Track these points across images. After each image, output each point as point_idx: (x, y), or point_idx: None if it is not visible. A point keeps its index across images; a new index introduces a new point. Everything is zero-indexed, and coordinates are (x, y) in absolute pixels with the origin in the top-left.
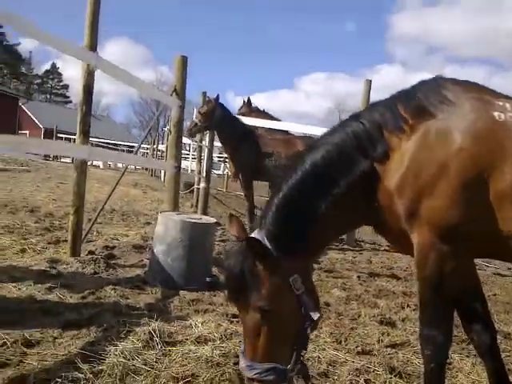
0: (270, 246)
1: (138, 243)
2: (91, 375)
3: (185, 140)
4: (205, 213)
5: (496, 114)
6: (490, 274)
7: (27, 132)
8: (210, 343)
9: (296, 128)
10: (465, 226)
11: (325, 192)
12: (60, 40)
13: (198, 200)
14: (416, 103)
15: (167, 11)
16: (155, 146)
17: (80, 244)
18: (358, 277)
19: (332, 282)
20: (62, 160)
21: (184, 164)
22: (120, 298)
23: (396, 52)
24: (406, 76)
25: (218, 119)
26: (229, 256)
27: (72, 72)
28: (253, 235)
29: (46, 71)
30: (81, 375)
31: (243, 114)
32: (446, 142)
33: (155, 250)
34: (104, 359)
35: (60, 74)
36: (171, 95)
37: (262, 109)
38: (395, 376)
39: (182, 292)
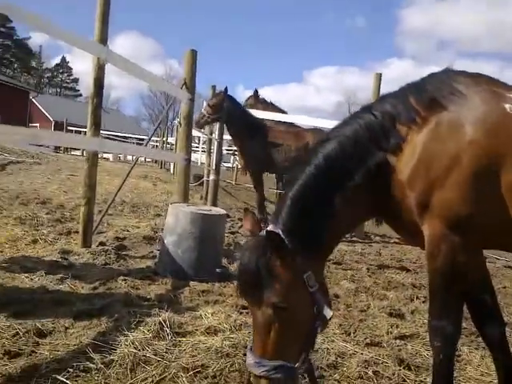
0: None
1: (149, 234)
2: (102, 365)
3: (194, 133)
4: (214, 205)
5: (507, 106)
6: (501, 266)
7: (38, 125)
8: (219, 334)
9: (306, 121)
10: (476, 218)
11: (339, 185)
12: (71, 34)
13: (207, 192)
14: (428, 95)
15: (176, 4)
16: (164, 139)
17: (91, 235)
18: (368, 269)
19: (341, 274)
20: (72, 153)
21: (194, 157)
22: (131, 289)
23: (406, 46)
24: (416, 70)
25: (226, 111)
26: (244, 251)
27: (82, 66)
28: (268, 229)
29: (56, 65)
30: (92, 365)
31: (250, 106)
32: (458, 134)
33: (165, 241)
34: (115, 349)
35: (70, 68)
36: (181, 88)
37: (269, 101)
38: (404, 368)
39: (192, 283)
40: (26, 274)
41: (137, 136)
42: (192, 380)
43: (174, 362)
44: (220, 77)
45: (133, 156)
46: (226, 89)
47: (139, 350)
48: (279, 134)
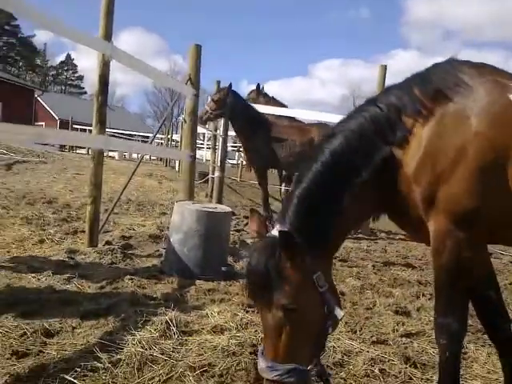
0: None
1: (154, 233)
2: (110, 364)
3: (199, 129)
4: (220, 202)
5: None
6: (507, 262)
7: (43, 123)
8: (226, 333)
9: (308, 115)
10: (482, 212)
11: (346, 181)
12: (75, 31)
13: (212, 189)
14: (433, 86)
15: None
16: (169, 136)
17: (97, 234)
18: (373, 266)
19: (347, 271)
20: (77, 151)
21: (199, 154)
22: (137, 288)
23: (411, 37)
24: (421, 61)
25: (230, 107)
26: (252, 252)
27: (86, 63)
28: (275, 230)
29: (61, 62)
30: (99, 364)
31: (252, 100)
32: (463, 126)
33: (171, 240)
34: (122, 349)
35: (75, 66)
36: (186, 84)
37: (270, 95)
38: (410, 366)
39: (198, 281)
40: (33, 274)
41: (142, 133)
42: (199, 379)
43: (180, 361)
44: (224, 72)
45: (138, 154)
46: (230, 85)
47: (146, 350)
48: (284, 129)
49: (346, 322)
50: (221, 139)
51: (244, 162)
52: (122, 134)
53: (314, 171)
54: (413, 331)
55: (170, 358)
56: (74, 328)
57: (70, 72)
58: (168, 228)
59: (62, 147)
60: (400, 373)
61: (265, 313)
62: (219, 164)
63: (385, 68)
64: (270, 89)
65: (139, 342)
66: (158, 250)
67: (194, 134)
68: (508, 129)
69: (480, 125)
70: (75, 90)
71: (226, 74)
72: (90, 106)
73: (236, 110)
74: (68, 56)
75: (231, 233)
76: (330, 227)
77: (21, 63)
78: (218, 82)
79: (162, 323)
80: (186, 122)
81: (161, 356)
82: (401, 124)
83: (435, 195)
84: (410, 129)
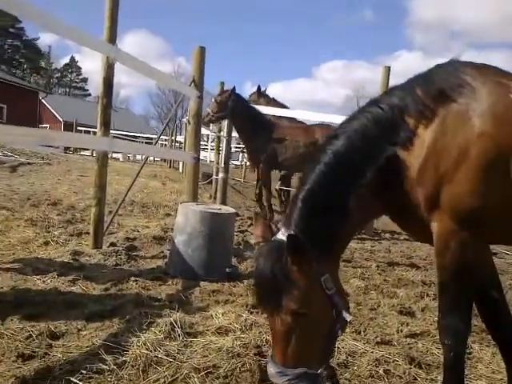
0: None
1: (159, 234)
2: (115, 366)
3: (203, 131)
4: (224, 203)
5: None
6: (511, 262)
7: (47, 125)
8: (230, 334)
9: (310, 116)
10: (486, 213)
11: (350, 182)
12: (80, 33)
13: (216, 190)
14: (435, 87)
15: (185, 2)
16: (173, 138)
17: (102, 236)
18: (377, 266)
19: (351, 272)
20: (81, 153)
21: (202, 155)
22: (142, 290)
23: (415, 38)
24: (425, 62)
25: (231, 110)
26: (258, 257)
27: (91, 65)
28: (280, 234)
29: (66, 65)
30: (105, 366)
31: (253, 102)
32: (466, 126)
33: (176, 241)
34: (127, 350)
35: (79, 68)
36: (190, 86)
37: (271, 96)
38: (415, 366)
39: (202, 283)
40: (38, 276)
41: (146, 135)
42: (204, 380)
43: (185, 362)
44: (228, 75)
45: (142, 155)
46: (233, 88)
47: (151, 351)
48: (287, 130)
49: (350, 323)
50: (224, 140)
51: (248, 163)
52: (126, 135)
53: (318, 173)
54: (417, 331)
55: (174, 359)
56: (79, 330)
57: (75, 74)
58: (172, 229)
59: (66, 149)
60: (404, 373)
61: (273, 318)
62: (223, 165)
63: (388, 69)
64: (274, 90)
65: (144, 344)
66: (163, 252)
67: (197, 136)
68: (511, 128)
69: (483, 125)
70: (79, 92)
71: (229, 76)
72: (94, 108)
73: (236, 110)
74: (72, 58)
75: (235, 234)
76: (336, 229)
77: (25, 66)
78: (222, 84)
79: (166, 325)
80: (189, 123)
81: (166, 357)
82: (404, 125)
83: (439, 195)
84: (414, 129)
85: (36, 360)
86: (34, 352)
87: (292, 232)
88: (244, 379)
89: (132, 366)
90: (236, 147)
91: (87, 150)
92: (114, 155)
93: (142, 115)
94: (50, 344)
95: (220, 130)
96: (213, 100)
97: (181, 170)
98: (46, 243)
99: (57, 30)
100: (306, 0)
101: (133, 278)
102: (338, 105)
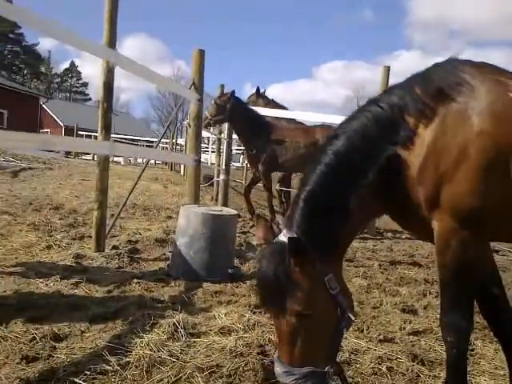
0: None
1: (161, 237)
2: (119, 367)
3: (204, 133)
4: (225, 205)
5: None
6: None
7: (48, 130)
8: (233, 334)
9: (310, 117)
10: (486, 211)
11: (351, 182)
12: (80, 38)
13: (217, 192)
14: (434, 86)
15: (183, 4)
16: (174, 141)
17: (104, 239)
18: (380, 265)
19: (353, 271)
20: (82, 157)
21: (203, 157)
22: (144, 292)
23: (414, 38)
24: (424, 61)
25: (230, 113)
26: (261, 260)
27: (90, 70)
28: (282, 235)
29: (66, 70)
30: (109, 367)
31: (252, 103)
32: (465, 124)
33: (178, 243)
34: (130, 351)
35: (79, 72)
36: (189, 89)
37: (270, 97)
38: (418, 363)
39: (204, 284)
40: (41, 280)
41: (146, 138)
42: (207, 380)
43: (188, 362)
44: (228, 76)
45: (143, 159)
46: (233, 92)
47: (154, 352)
48: (287, 131)
49: (353, 321)
50: (225, 142)
51: (249, 165)
52: (127, 139)
53: (319, 173)
54: (420, 329)
55: (178, 359)
56: (82, 332)
57: (75, 79)
58: (174, 232)
59: (67, 153)
60: (407, 370)
61: (278, 319)
62: (224, 167)
63: (388, 69)
64: (275, 91)
65: (147, 345)
66: (165, 254)
67: (198, 138)
68: (510, 127)
69: (482, 123)
70: (80, 96)
71: (229, 77)
72: (94, 113)
73: (235, 114)
74: (72, 63)
75: (237, 235)
76: (338, 228)
77: (25, 71)
78: (222, 86)
79: (169, 325)
80: (190, 126)
81: (169, 358)
82: (404, 124)
83: (439, 194)
84: (414, 128)
85: (40, 362)
86: (38, 354)
87: (294, 234)
88: (247, 378)
89: (136, 367)
90: (237, 149)
91: (88, 154)
92: (115, 159)
93: (142, 118)
94: (53, 346)
95: (221, 133)
96: (212, 102)
97: (182, 172)
98: (49, 247)
99: (56, 35)
100: (306, 0)
101: (135, 280)
102: (338, 105)
